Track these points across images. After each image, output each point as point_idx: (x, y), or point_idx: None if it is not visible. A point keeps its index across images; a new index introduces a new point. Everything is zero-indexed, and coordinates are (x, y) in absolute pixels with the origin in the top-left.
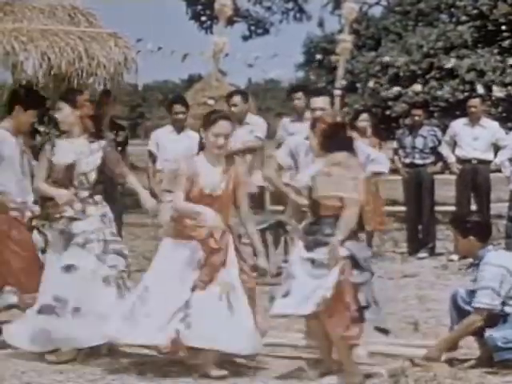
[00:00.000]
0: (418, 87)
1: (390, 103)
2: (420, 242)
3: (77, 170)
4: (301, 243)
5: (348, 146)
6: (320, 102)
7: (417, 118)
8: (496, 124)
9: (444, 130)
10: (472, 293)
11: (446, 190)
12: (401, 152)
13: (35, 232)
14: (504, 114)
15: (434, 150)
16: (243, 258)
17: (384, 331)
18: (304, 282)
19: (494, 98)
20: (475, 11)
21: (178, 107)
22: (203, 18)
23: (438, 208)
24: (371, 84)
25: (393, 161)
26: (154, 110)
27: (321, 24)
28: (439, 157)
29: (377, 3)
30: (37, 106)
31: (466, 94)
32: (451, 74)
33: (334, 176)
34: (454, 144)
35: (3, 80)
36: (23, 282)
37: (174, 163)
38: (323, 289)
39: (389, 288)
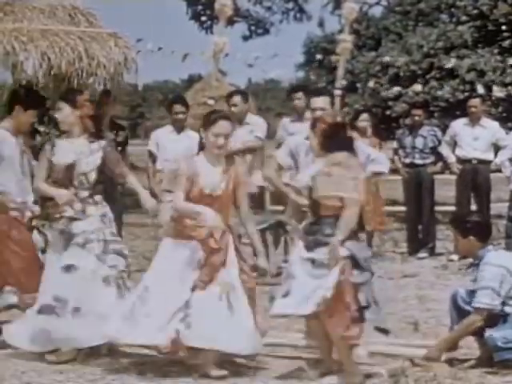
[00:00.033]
0: (418, 87)
1: (390, 103)
2: (420, 241)
3: (77, 170)
4: (301, 243)
5: (348, 146)
6: (320, 101)
7: (417, 117)
8: (496, 124)
9: (444, 130)
10: (472, 293)
11: (445, 190)
12: (401, 152)
13: (35, 232)
14: (504, 114)
15: (434, 150)
16: (243, 258)
17: (384, 331)
18: (304, 281)
19: (494, 97)
20: (475, 11)
21: (178, 107)
22: (203, 18)
23: (437, 208)
24: (371, 84)
25: (393, 161)
26: (154, 110)
27: (321, 24)
28: (439, 157)
29: (377, 3)
30: (37, 106)
31: (466, 93)
32: (451, 74)
33: (334, 176)
34: (454, 144)
35: (3, 80)
36: (23, 282)
37: (174, 163)
38: (323, 289)
39: (389, 288)
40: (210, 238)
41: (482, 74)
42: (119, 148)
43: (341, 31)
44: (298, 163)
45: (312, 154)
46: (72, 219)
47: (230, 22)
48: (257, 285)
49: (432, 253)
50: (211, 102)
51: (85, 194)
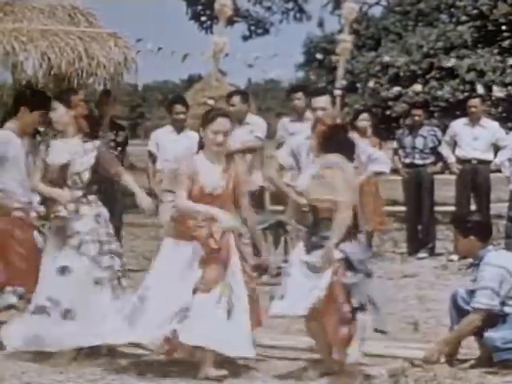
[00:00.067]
0: (418, 87)
1: (390, 103)
2: (420, 242)
3: (70, 170)
4: (301, 244)
5: (347, 149)
6: (322, 101)
7: (417, 118)
8: (496, 124)
9: (444, 130)
10: (472, 293)
11: (445, 190)
12: (401, 152)
13: (35, 232)
14: (504, 114)
15: (434, 150)
16: (244, 258)
17: (382, 331)
18: (301, 282)
19: (494, 97)
20: (475, 11)
21: (178, 107)
22: (203, 18)
23: (437, 208)
24: (371, 84)
25: (393, 161)
26: (154, 110)
27: (321, 24)
28: (439, 157)
29: (377, 3)
30: (43, 107)
31: (466, 93)
32: (451, 74)
33: (326, 179)
34: (454, 144)
35: (3, 80)
36: (28, 282)
37: (174, 163)
38: (318, 289)
39: (389, 288)
40: (210, 238)
41: (481, 74)
42: (119, 148)
43: (341, 31)
44: (300, 163)
45: (313, 154)
46: (66, 219)
47: (230, 22)
48: (257, 285)
49: (432, 253)
50: (211, 102)
51: (78, 193)
